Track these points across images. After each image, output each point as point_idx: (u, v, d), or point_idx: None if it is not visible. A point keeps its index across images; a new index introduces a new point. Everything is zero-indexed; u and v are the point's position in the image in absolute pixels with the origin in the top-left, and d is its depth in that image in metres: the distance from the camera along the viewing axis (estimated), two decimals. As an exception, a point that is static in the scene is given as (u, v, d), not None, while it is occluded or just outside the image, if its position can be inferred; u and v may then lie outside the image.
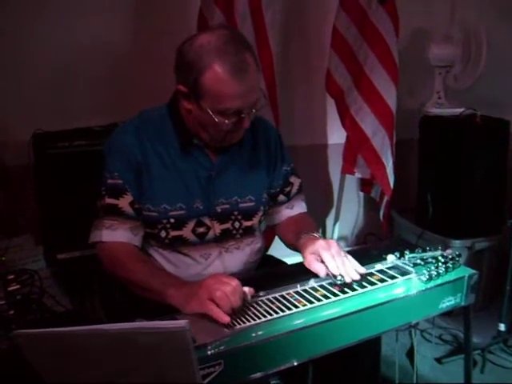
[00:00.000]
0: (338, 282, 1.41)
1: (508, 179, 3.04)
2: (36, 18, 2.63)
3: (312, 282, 1.44)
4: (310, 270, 1.52)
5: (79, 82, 2.76)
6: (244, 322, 1.25)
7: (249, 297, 1.33)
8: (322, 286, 1.42)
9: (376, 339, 1.57)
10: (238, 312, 1.29)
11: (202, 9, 2.66)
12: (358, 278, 1.43)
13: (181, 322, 0.91)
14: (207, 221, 1.67)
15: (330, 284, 1.43)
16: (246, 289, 1.33)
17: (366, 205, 3.62)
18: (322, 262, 1.49)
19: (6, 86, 2.60)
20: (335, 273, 1.43)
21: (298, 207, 1.88)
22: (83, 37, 2.71)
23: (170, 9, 2.87)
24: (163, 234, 1.64)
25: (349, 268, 1.44)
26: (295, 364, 1.23)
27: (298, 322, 1.25)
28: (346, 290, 1.39)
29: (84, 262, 2.38)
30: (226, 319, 1.24)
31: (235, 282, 1.30)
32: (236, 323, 1.25)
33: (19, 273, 2.14)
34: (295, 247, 1.69)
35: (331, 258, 1.46)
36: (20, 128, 2.58)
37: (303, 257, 1.57)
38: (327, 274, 1.46)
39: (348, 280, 1.41)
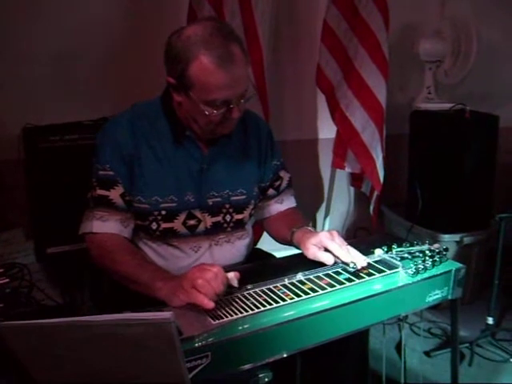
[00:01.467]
0: (351, 270, 1.46)
1: (497, 174, 3.06)
2: (27, 14, 2.62)
3: (299, 276, 1.44)
4: (297, 263, 1.54)
5: (69, 77, 2.74)
6: (231, 315, 1.25)
7: (235, 281, 1.34)
8: (309, 280, 1.43)
9: (364, 332, 1.58)
10: (225, 300, 1.30)
11: (191, 2, 2.66)
12: (366, 264, 1.48)
13: (165, 314, 0.92)
14: (198, 213, 1.67)
15: (317, 278, 1.44)
16: (232, 274, 1.35)
17: (357, 199, 3.63)
18: (326, 251, 1.53)
19: (-4, 80, 2.59)
20: (347, 260, 1.48)
21: (288, 202, 1.89)
22: (73, 32, 2.70)
23: (161, 3, 2.86)
24: (154, 225, 1.64)
25: (356, 255, 1.49)
26: (283, 356, 1.24)
27: (285, 314, 1.26)
28: (333, 283, 1.40)
29: (74, 256, 2.38)
30: (211, 305, 1.25)
31: (216, 268, 1.32)
32: (223, 316, 1.25)
33: (9, 266, 2.14)
34: (288, 241, 1.71)
35: (338, 247, 1.51)
36: (10, 122, 2.57)
37: (304, 248, 1.59)
38: (335, 263, 1.51)
39: (359, 266, 1.46)
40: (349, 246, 1.53)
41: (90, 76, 2.78)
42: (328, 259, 1.51)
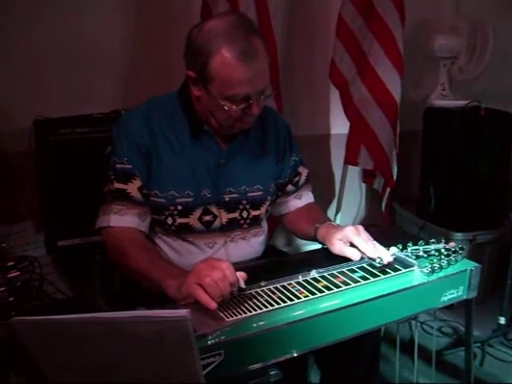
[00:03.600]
0: (378, 265, 1.45)
1: (511, 172, 3.03)
2: (38, 6, 2.60)
3: (313, 273, 1.43)
4: (311, 260, 1.53)
5: (80, 69, 2.73)
6: (245, 312, 1.24)
7: (242, 282, 1.29)
8: (323, 277, 1.41)
9: (376, 331, 1.56)
10: (238, 297, 1.28)
11: (205, -3, 2.64)
12: (392, 259, 1.46)
13: (182, 311, 0.90)
14: (214, 209, 1.66)
15: (331, 275, 1.42)
16: (237, 274, 1.29)
17: (368, 196, 3.61)
18: (352, 246, 1.52)
19: (7, 72, 2.57)
20: (373, 256, 1.46)
21: (306, 197, 1.88)
22: (85, 23, 2.69)
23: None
24: (170, 220, 1.63)
25: (382, 251, 1.48)
26: (295, 355, 1.23)
27: (299, 313, 1.24)
28: (348, 281, 1.38)
29: (84, 249, 2.38)
30: (213, 305, 1.21)
31: (225, 265, 1.26)
32: (237, 313, 1.23)
33: (19, 259, 2.14)
34: (311, 237, 1.71)
35: (364, 242, 1.50)
36: (21, 115, 2.56)
37: (330, 243, 1.59)
38: (362, 258, 1.50)
39: (386, 262, 1.44)
40: (375, 242, 1.52)
41: (101, 68, 2.77)
42: (354, 254, 1.50)
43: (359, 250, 1.51)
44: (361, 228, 1.56)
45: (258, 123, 1.70)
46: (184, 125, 1.63)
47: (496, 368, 2.52)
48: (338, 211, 3.41)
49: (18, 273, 2.00)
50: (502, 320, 2.65)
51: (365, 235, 1.54)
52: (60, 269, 2.49)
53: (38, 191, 2.56)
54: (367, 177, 3.34)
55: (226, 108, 1.50)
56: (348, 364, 1.58)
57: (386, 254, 1.47)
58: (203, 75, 1.49)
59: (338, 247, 1.55)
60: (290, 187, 1.84)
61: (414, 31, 3.23)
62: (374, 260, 1.46)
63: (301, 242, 1.84)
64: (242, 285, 1.30)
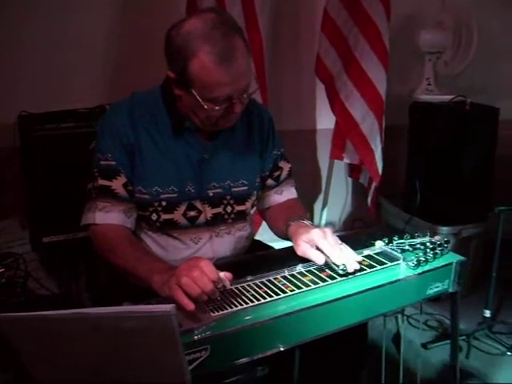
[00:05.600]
0: (341, 272, 1.38)
1: (496, 167, 3.05)
2: (23, 3, 2.59)
3: (300, 267, 1.43)
4: (299, 255, 1.51)
5: (65, 64, 2.71)
6: (231, 307, 1.23)
7: (227, 282, 1.28)
8: (309, 271, 1.41)
9: (363, 325, 1.57)
10: (224, 291, 1.27)
11: (191, -10, 2.63)
12: (358, 267, 1.40)
13: (167, 307, 0.90)
14: (199, 204, 1.65)
15: (317, 269, 1.42)
16: (222, 274, 1.27)
17: (354, 190, 3.62)
18: (317, 249, 1.46)
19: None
20: (338, 262, 1.40)
21: (287, 192, 1.86)
22: (70, 19, 2.67)
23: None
24: (154, 216, 1.62)
25: (349, 257, 1.42)
26: (281, 349, 1.22)
27: (285, 307, 1.24)
28: (333, 275, 1.38)
29: (69, 246, 2.37)
30: (190, 306, 1.19)
31: (204, 264, 1.24)
32: (223, 308, 1.23)
33: (4, 256, 2.12)
34: (284, 235, 1.67)
35: (330, 246, 1.44)
36: (5, 110, 2.53)
37: (295, 244, 1.54)
38: (325, 263, 1.44)
39: (350, 270, 1.38)
40: (343, 246, 1.46)
41: (86, 63, 2.75)
42: (318, 258, 1.45)
43: (324, 254, 1.45)
44: (328, 231, 1.49)
45: (244, 119, 1.69)
46: (167, 121, 1.62)
47: (481, 361, 2.54)
48: (324, 206, 3.42)
49: (2, 269, 1.99)
50: (487, 313, 2.68)
51: (332, 239, 1.46)
52: (45, 265, 2.47)
53: (22, 187, 2.54)
54: (353, 171, 3.35)
55: (207, 108, 1.48)
56: (335, 358, 1.58)
57: (352, 261, 1.40)
58: (183, 78, 1.47)
59: (302, 249, 1.50)
60: (270, 181, 1.83)
61: (399, 26, 3.24)
62: (338, 266, 1.39)
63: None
64: (227, 285, 1.28)
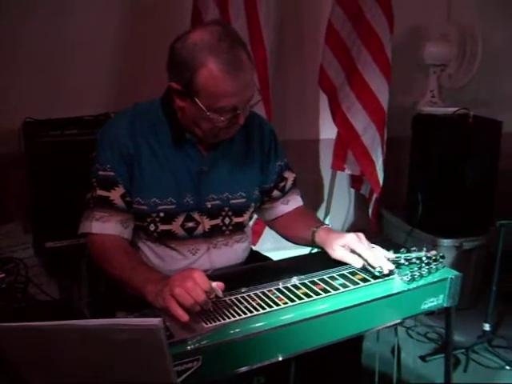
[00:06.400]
0: (377, 274, 1.46)
1: (499, 180, 3.05)
2: (29, 7, 2.61)
3: (294, 280, 1.44)
4: (293, 266, 1.54)
5: (70, 71, 2.74)
6: (224, 319, 1.25)
7: (220, 292, 1.30)
8: (303, 284, 1.42)
9: (357, 337, 1.57)
10: (218, 303, 1.29)
11: (196, 2, 2.65)
12: (393, 267, 1.47)
13: (154, 320, 0.91)
14: (197, 216, 1.66)
15: (311, 282, 1.43)
16: (214, 284, 1.29)
17: (357, 201, 3.62)
18: (353, 253, 1.54)
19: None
20: (374, 264, 1.47)
21: (294, 202, 1.88)
22: (75, 26, 2.69)
23: (164, 1, 2.86)
24: (152, 227, 1.63)
25: (383, 259, 1.49)
26: (273, 361, 1.23)
27: (278, 319, 1.25)
28: (327, 288, 1.40)
29: (72, 251, 2.38)
30: (184, 318, 1.20)
31: (197, 275, 1.26)
32: (216, 319, 1.24)
33: (5, 261, 2.14)
34: (306, 241, 1.72)
35: (366, 250, 1.51)
36: (10, 116, 2.57)
37: (330, 249, 1.60)
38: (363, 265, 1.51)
39: (386, 271, 1.45)
40: (375, 249, 1.54)
41: (92, 71, 2.77)
42: (356, 261, 1.52)
43: (361, 258, 1.52)
44: (362, 236, 1.57)
45: (242, 131, 1.70)
46: (167, 132, 1.63)
47: (480, 375, 2.53)
48: (326, 216, 3.43)
49: (3, 275, 2.00)
50: (487, 327, 2.66)
51: (366, 243, 1.55)
52: (48, 270, 2.49)
53: (26, 192, 2.57)
54: (355, 182, 3.36)
55: (212, 119, 1.50)
56: (330, 370, 1.59)
57: (386, 263, 1.47)
58: (189, 88, 1.49)
59: (340, 253, 1.56)
60: (276, 193, 1.84)
61: (404, 38, 3.26)
62: (375, 268, 1.47)
63: (288, 246, 1.84)
64: (220, 294, 1.30)
